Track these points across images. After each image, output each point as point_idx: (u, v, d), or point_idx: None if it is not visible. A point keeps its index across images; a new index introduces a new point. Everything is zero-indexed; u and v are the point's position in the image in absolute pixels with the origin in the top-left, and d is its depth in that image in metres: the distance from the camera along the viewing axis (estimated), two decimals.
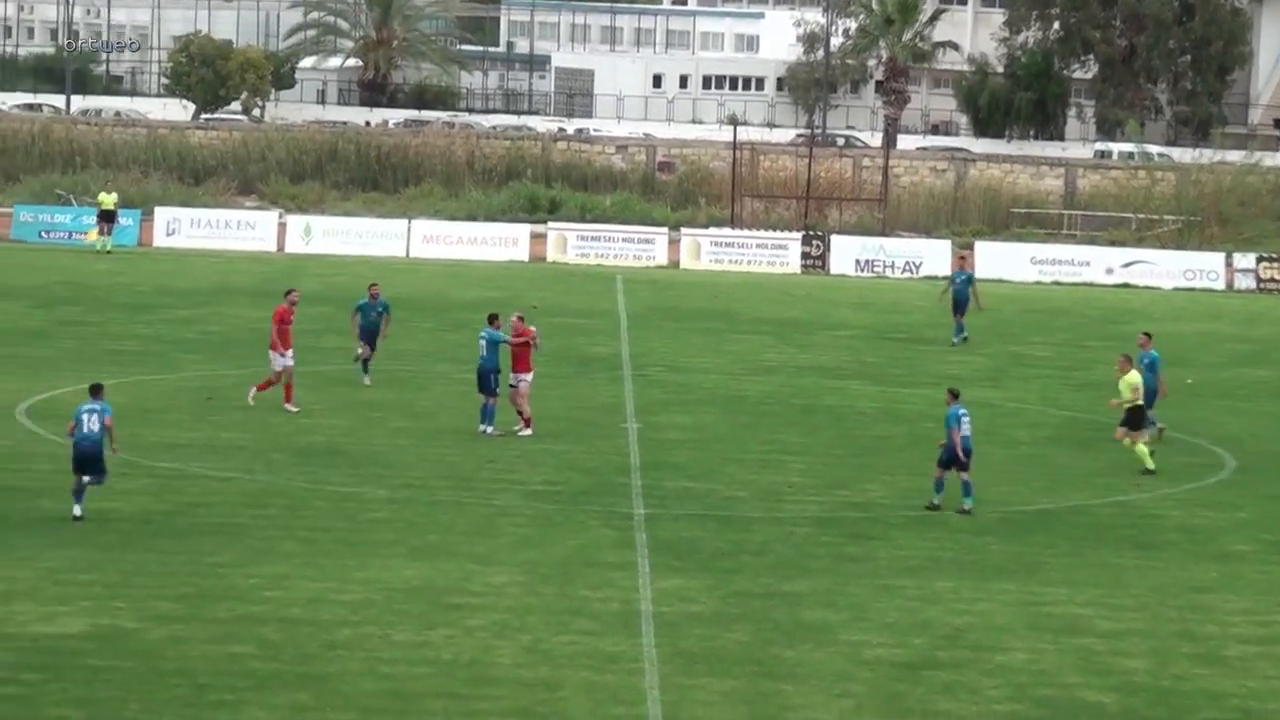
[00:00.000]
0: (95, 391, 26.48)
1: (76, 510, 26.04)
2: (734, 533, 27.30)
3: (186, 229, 66.14)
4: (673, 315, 52.42)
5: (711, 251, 66.39)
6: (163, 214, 66.73)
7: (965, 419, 28.73)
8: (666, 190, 79.34)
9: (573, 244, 66.36)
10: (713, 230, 68.57)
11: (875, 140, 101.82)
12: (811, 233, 68.17)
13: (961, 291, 48.24)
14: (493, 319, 34.03)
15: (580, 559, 25.41)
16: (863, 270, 66.08)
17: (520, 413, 33.81)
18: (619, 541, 26.46)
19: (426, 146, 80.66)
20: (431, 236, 66.61)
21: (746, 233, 68.04)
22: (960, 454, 28.55)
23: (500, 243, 66.44)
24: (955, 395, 29.14)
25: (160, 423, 32.12)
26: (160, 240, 65.66)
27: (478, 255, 65.40)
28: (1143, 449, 32.59)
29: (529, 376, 33.83)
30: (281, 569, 24.23)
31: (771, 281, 62.86)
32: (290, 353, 34.86)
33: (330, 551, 25.23)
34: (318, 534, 26.15)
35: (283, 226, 67.10)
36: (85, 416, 25.95)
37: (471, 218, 70.91)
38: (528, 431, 33.64)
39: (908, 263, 66.19)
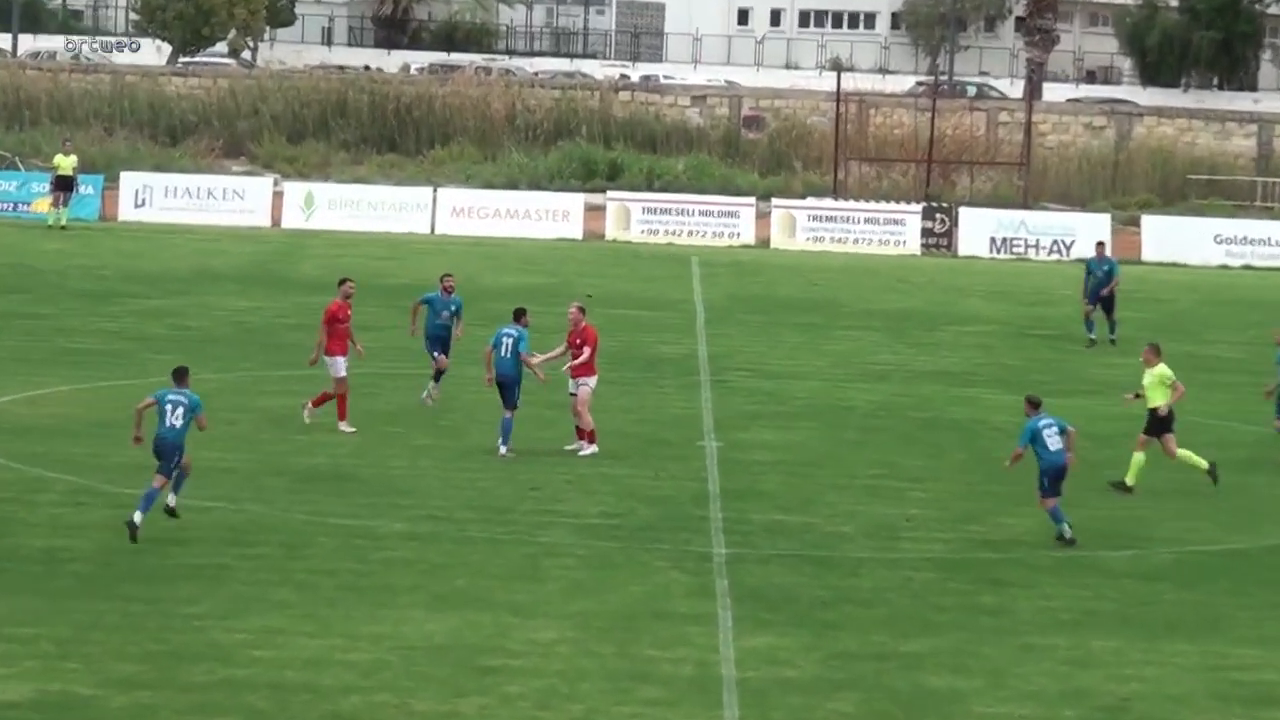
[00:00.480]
0: (179, 377, 27.77)
1: (170, 504, 27.74)
2: (837, 578, 27.21)
3: (159, 199, 66.56)
4: (761, 307, 52.38)
5: (809, 228, 66.35)
6: (130, 180, 67.16)
7: (1050, 432, 28.60)
8: (754, 152, 79.36)
9: (637, 218, 66.45)
10: (811, 201, 68.55)
11: (1015, 90, 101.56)
12: (935, 205, 67.98)
13: (1103, 285, 48.26)
14: (519, 315, 33.79)
15: (646, 610, 25.36)
16: (999, 251, 65.97)
17: (579, 427, 33.72)
18: (694, 589, 26.39)
19: (457, 98, 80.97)
20: (462, 208, 66.86)
21: (853, 204, 67.94)
22: (1052, 475, 28.44)
23: (548, 216, 66.59)
24: (1036, 405, 29.13)
25: (125, 440, 32.12)
26: (127, 213, 66.08)
27: (519, 232, 65.55)
28: (1139, 458, 32.13)
29: (592, 381, 33.75)
30: (274, 622, 24.23)
31: (884, 265, 62.69)
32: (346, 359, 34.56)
33: (335, 600, 25.23)
34: (319, 578, 26.16)
35: (278, 196, 67.45)
36: (169, 406, 27.32)
37: (512, 186, 71.22)
38: (591, 449, 33.58)
39: (1055, 242, 65.99)
